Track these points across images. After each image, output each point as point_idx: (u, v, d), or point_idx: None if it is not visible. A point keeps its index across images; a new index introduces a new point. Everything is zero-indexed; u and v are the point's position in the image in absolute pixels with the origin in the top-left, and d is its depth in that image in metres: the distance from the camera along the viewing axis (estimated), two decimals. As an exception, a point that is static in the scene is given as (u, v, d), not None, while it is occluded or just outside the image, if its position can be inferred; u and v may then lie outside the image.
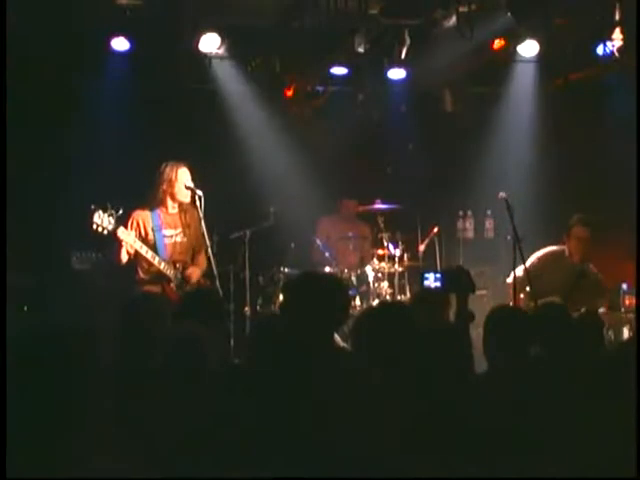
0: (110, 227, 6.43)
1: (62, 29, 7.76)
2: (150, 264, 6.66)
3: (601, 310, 8.08)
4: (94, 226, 6.40)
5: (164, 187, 6.76)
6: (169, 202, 6.79)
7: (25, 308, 7.98)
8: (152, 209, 6.78)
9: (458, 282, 4.56)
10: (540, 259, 7.48)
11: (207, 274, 6.90)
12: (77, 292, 8.19)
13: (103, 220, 6.41)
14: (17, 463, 2.43)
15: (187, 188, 6.75)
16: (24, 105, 8.22)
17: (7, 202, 6.53)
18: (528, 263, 7.30)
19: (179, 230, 6.83)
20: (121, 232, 6.49)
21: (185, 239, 6.85)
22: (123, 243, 6.51)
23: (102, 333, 3.90)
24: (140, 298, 5.71)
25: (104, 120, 8.45)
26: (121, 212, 6.48)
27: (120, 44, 7.97)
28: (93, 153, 8.49)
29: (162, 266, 6.69)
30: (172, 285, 6.71)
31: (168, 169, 6.75)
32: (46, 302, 8.06)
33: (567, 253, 7.49)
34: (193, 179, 6.84)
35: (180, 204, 6.81)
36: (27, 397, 2.67)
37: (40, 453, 2.50)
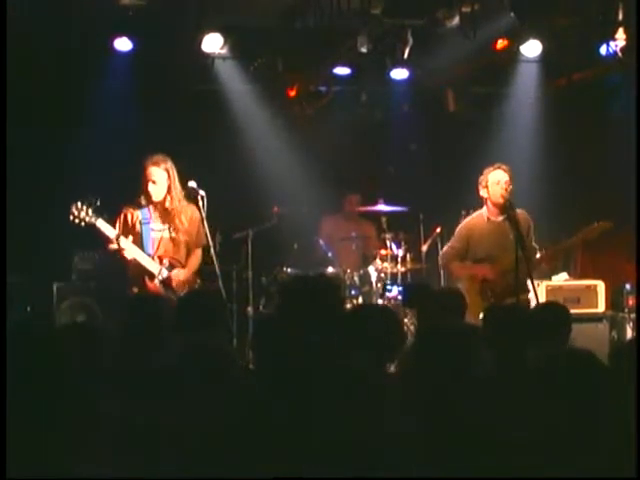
0: (87, 219, 6.36)
1: (65, 29, 7.76)
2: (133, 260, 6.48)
3: (601, 311, 8.10)
4: (71, 217, 6.36)
5: (141, 185, 6.66)
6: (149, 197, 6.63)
7: (28, 308, 7.99)
8: (141, 206, 6.66)
9: (419, 299, 4.53)
10: (461, 235, 7.22)
11: (210, 274, 6.87)
12: (80, 292, 8.21)
13: (80, 212, 6.36)
14: (17, 463, 2.43)
15: (190, 188, 6.72)
16: (27, 105, 8.24)
17: (9, 202, 6.55)
18: (453, 242, 7.25)
19: (167, 226, 6.65)
20: (100, 223, 6.40)
21: (175, 235, 6.66)
22: (106, 235, 6.42)
23: (105, 332, 3.91)
24: (142, 298, 5.69)
25: (107, 120, 8.46)
26: (99, 203, 6.39)
27: (123, 44, 7.97)
28: (96, 153, 8.49)
29: (143, 260, 6.52)
30: (155, 281, 6.53)
31: (142, 167, 6.64)
32: (48, 302, 8.06)
33: (486, 214, 7.15)
34: (195, 178, 6.81)
35: (179, 201, 6.66)
36: (29, 397, 2.67)
37: (40, 453, 2.51)
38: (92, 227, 6.41)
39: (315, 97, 9.52)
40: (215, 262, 6.76)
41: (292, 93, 9.32)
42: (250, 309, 8.28)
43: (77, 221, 6.38)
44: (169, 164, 6.65)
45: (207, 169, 7.01)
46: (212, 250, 6.73)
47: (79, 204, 6.36)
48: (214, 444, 2.73)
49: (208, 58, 8.36)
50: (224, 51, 8.17)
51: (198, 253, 6.79)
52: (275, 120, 9.44)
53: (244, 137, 9.27)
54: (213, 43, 7.97)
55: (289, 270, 8.49)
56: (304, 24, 7.69)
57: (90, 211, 6.37)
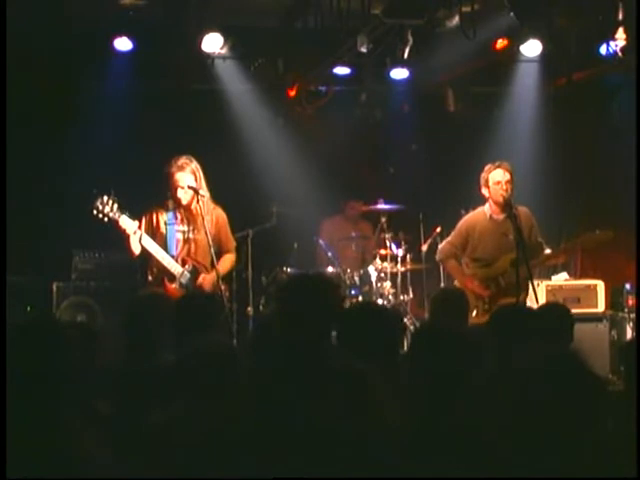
0: (111, 214, 6.23)
1: (65, 29, 7.77)
2: (156, 260, 6.41)
3: (600, 310, 8.09)
4: (94, 211, 6.22)
5: (168, 190, 6.58)
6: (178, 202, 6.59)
7: (28, 308, 8.00)
8: (168, 209, 6.60)
9: (384, 322, 4.50)
10: (461, 231, 7.24)
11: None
12: (80, 292, 8.22)
13: (105, 207, 6.23)
14: (17, 463, 2.43)
15: (190, 188, 6.64)
16: (27, 105, 8.24)
17: (10, 202, 6.54)
18: (452, 237, 7.27)
19: (192, 228, 6.57)
20: (122, 221, 6.27)
21: (200, 238, 6.54)
22: (127, 233, 6.30)
23: (106, 333, 3.92)
24: (144, 298, 5.65)
25: (107, 120, 8.46)
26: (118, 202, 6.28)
27: (123, 44, 7.99)
28: (96, 153, 8.50)
29: (165, 261, 6.43)
30: (175, 285, 6.45)
31: (168, 172, 6.55)
32: (48, 302, 8.07)
33: (488, 211, 7.16)
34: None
35: (205, 203, 6.56)
36: (29, 397, 2.67)
37: (40, 453, 2.50)
38: (115, 223, 6.30)
39: (315, 97, 9.51)
40: (215, 262, 6.73)
41: (292, 93, 9.31)
42: (250, 309, 8.28)
43: (100, 216, 6.23)
44: (194, 165, 6.58)
45: (207, 169, 6.98)
46: (212, 250, 6.68)
47: (105, 198, 6.24)
48: (214, 444, 2.73)
49: (208, 58, 8.36)
50: (224, 51, 8.17)
51: (228, 258, 6.71)
52: (275, 120, 9.44)
53: (244, 137, 9.26)
54: (213, 43, 7.97)
55: (289, 270, 8.50)
56: (304, 24, 7.69)
57: (115, 207, 6.24)
